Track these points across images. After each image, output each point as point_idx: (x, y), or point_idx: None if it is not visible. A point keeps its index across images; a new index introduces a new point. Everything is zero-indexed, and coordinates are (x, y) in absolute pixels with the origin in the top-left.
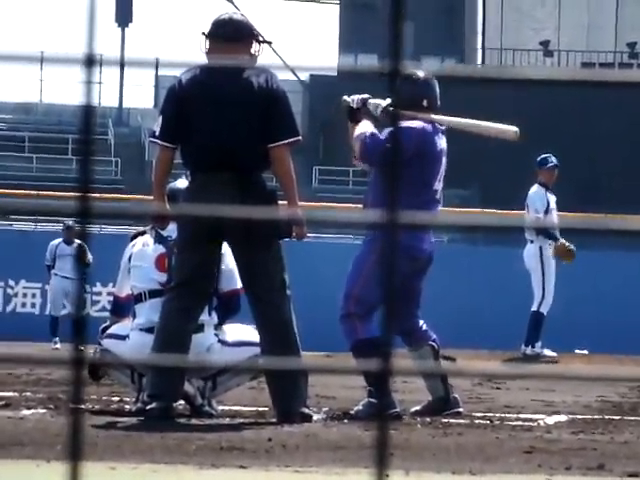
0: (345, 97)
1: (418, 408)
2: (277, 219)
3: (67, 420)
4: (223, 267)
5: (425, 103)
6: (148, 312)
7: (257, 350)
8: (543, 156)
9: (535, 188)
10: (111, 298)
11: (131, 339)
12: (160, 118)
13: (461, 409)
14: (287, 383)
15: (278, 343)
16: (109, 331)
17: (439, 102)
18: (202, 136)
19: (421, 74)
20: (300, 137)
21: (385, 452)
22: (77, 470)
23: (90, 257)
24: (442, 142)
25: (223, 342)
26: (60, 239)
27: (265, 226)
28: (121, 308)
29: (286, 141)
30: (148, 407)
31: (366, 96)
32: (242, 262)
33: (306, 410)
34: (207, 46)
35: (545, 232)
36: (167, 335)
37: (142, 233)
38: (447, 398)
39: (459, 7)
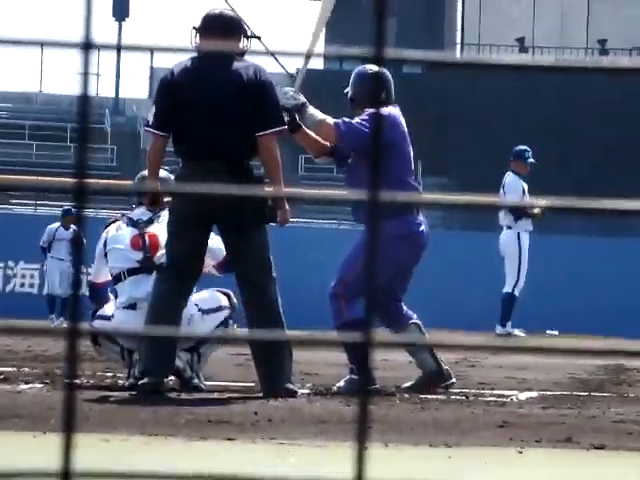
0: (290, 93)
1: (409, 384)
2: (263, 204)
3: (62, 393)
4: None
5: (383, 95)
6: (129, 289)
7: (227, 313)
8: (521, 148)
9: (511, 176)
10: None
11: (115, 317)
12: (153, 107)
13: (454, 380)
14: (273, 360)
15: (264, 322)
16: (97, 313)
17: (394, 95)
18: (193, 125)
19: (377, 68)
20: (286, 126)
21: (365, 426)
22: (71, 441)
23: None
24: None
25: (202, 311)
26: (59, 223)
27: (252, 211)
28: (99, 294)
29: (273, 130)
30: (140, 382)
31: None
32: (230, 245)
33: (291, 386)
34: (197, 40)
35: (524, 212)
36: (159, 314)
37: (114, 222)
38: (441, 370)
39: (439, 4)
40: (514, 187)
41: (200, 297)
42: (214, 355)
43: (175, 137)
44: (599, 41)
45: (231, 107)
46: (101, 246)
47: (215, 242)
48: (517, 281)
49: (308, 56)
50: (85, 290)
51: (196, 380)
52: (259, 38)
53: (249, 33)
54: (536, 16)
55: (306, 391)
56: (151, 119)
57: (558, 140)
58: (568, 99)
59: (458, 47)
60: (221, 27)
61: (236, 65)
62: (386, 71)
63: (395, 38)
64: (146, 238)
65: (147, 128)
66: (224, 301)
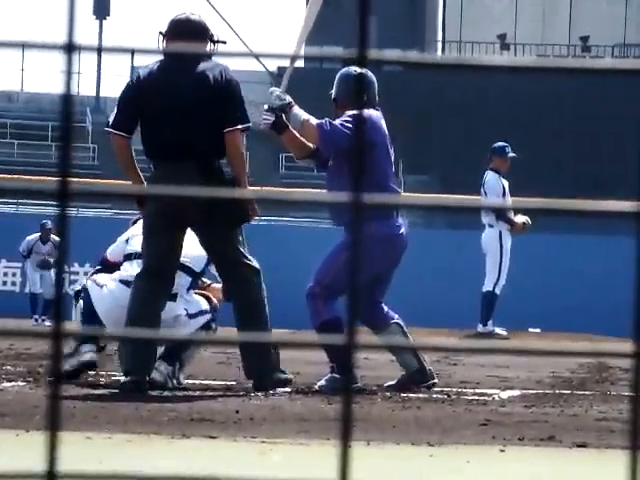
0: (277, 93)
1: (393, 382)
2: (237, 204)
3: (46, 391)
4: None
5: (365, 97)
6: (131, 267)
7: (208, 317)
8: (500, 144)
9: (491, 174)
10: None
11: (108, 287)
12: (115, 109)
13: (436, 380)
14: (259, 356)
15: (250, 317)
16: (93, 276)
17: (377, 97)
18: (162, 126)
19: (360, 70)
20: (251, 124)
21: (349, 425)
22: (55, 439)
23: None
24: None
25: (189, 315)
26: (38, 234)
27: (226, 211)
28: (107, 268)
29: (239, 127)
30: (122, 381)
31: (289, 100)
32: (207, 246)
33: (282, 375)
34: (164, 45)
35: (504, 217)
36: (137, 314)
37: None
38: (423, 370)
39: (420, 2)
40: (494, 186)
41: (190, 299)
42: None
43: (144, 138)
44: (581, 38)
45: (200, 107)
46: (126, 234)
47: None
48: (498, 279)
49: (293, 58)
50: (67, 288)
51: (176, 384)
52: (224, 43)
53: (215, 37)
54: (518, 13)
55: (287, 389)
56: (112, 120)
57: (536, 137)
58: (546, 95)
59: (439, 44)
60: (187, 31)
61: (202, 66)
62: (370, 73)
63: (376, 35)
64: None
65: (108, 129)
66: (205, 305)
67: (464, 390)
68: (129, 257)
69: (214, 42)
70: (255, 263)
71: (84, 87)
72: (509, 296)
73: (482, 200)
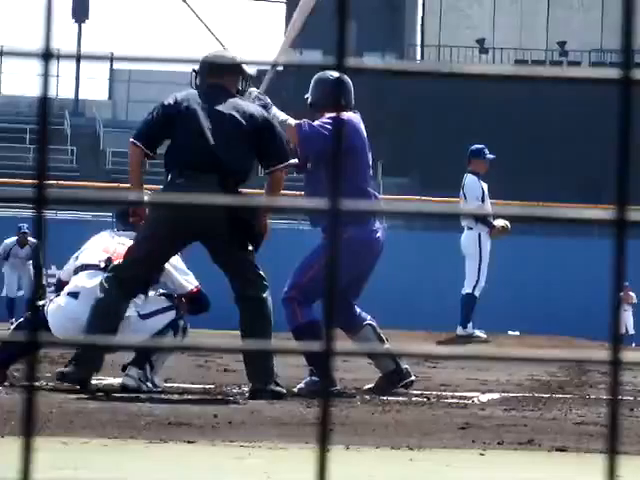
0: (255, 93)
1: (371, 385)
2: (251, 224)
3: (21, 397)
4: (170, 269)
5: (342, 101)
6: (79, 279)
7: (172, 314)
8: (477, 147)
9: (470, 177)
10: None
11: (57, 302)
12: (145, 125)
13: (414, 378)
14: (258, 363)
15: (257, 332)
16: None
17: (353, 101)
18: (196, 142)
19: (337, 74)
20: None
21: (327, 428)
22: (30, 444)
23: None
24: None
25: (141, 315)
26: (15, 238)
27: (240, 230)
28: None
29: (284, 164)
30: (66, 370)
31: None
32: (222, 261)
33: (277, 388)
34: (197, 82)
35: (483, 220)
36: (101, 312)
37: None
38: (399, 369)
39: (400, 5)
40: (473, 188)
41: (137, 302)
42: (175, 356)
43: (172, 150)
44: (559, 43)
45: (239, 134)
46: (78, 252)
47: (179, 275)
48: (477, 282)
49: (274, 65)
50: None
51: (152, 387)
52: (254, 77)
53: (246, 74)
54: (496, 18)
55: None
56: (138, 132)
57: (518, 139)
58: (529, 97)
59: (418, 49)
60: (219, 68)
61: (242, 101)
62: (346, 77)
63: (355, 39)
64: (117, 247)
65: (135, 140)
66: (165, 302)
67: (444, 393)
68: (76, 271)
69: (245, 78)
70: (265, 280)
71: (63, 89)
72: (488, 298)
73: (462, 204)
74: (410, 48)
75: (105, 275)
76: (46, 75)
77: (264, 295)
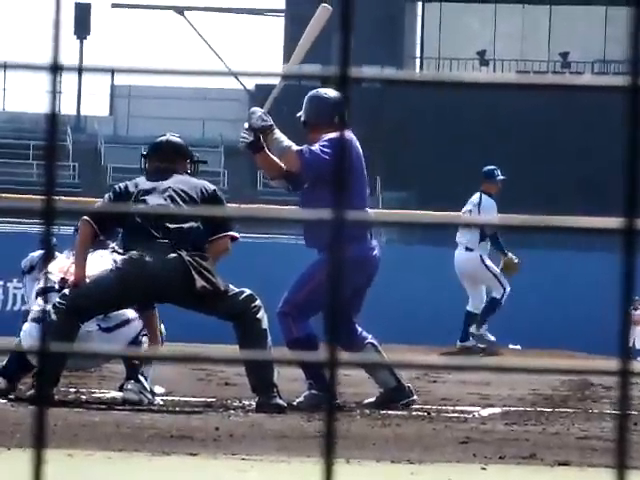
0: (259, 114)
1: (371, 400)
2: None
3: (28, 409)
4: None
5: (336, 120)
6: (40, 303)
7: (137, 325)
8: (490, 168)
9: (486, 198)
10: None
11: (24, 329)
12: (100, 207)
13: (415, 397)
14: (262, 376)
15: (253, 346)
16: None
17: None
18: (147, 222)
19: (332, 92)
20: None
21: (333, 442)
22: (41, 459)
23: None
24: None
25: (103, 329)
26: (42, 252)
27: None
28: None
29: (230, 234)
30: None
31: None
32: (205, 311)
33: (280, 401)
34: (146, 165)
35: (496, 244)
36: (53, 337)
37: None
38: (401, 387)
39: (399, 17)
40: (490, 209)
41: (100, 316)
42: (176, 370)
43: (129, 225)
44: (561, 54)
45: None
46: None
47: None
48: (504, 290)
49: (281, 79)
50: None
51: (152, 398)
52: (205, 162)
53: (195, 157)
54: (497, 29)
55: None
56: (94, 216)
57: (514, 151)
58: (525, 111)
59: (417, 61)
60: (169, 152)
61: (189, 179)
62: (339, 94)
63: (354, 52)
64: (71, 267)
65: (85, 217)
66: (130, 314)
67: (444, 407)
68: (37, 295)
69: (193, 161)
70: (246, 293)
71: (64, 105)
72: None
73: (467, 218)
74: (409, 60)
75: (57, 300)
76: (54, 88)
77: (257, 316)
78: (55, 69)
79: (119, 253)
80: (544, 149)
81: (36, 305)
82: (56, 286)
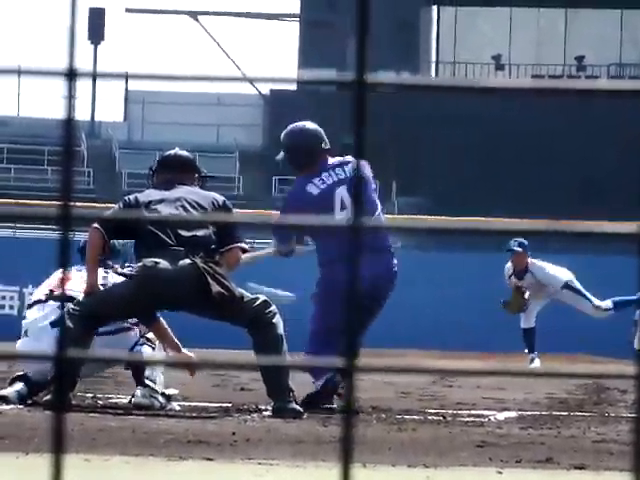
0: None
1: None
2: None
3: (48, 415)
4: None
5: (323, 145)
6: (31, 313)
7: (136, 332)
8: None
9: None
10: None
11: (17, 344)
12: (110, 215)
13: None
14: (279, 382)
15: (269, 351)
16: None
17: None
18: (165, 226)
19: (310, 125)
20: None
21: (351, 446)
22: (60, 461)
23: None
24: None
25: (99, 333)
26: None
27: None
28: None
29: (240, 245)
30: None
31: None
32: (219, 317)
33: (297, 407)
34: (154, 179)
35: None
36: (72, 334)
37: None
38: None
39: (414, 22)
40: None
41: None
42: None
43: (144, 236)
44: (576, 58)
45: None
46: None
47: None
48: (590, 299)
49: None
50: None
51: (166, 402)
52: (213, 177)
53: (202, 172)
54: (512, 33)
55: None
56: (104, 224)
57: (527, 158)
58: (539, 117)
59: (433, 65)
60: (176, 165)
61: (197, 190)
62: (310, 125)
63: (370, 56)
64: (57, 280)
65: (95, 224)
66: (124, 323)
67: (460, 412)
68: (29, 307)
69: (201, 176)
70: (261, 299)
71: (79, 111)
72: (505, 318)
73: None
74: (425, 65)
75: (71, 307)
76: (70, 94)
77: (273, 321)
78: (70, 75)
79: (119, 274)
80: (558, 154)
81: (26, 319)
82: (44, 298)
